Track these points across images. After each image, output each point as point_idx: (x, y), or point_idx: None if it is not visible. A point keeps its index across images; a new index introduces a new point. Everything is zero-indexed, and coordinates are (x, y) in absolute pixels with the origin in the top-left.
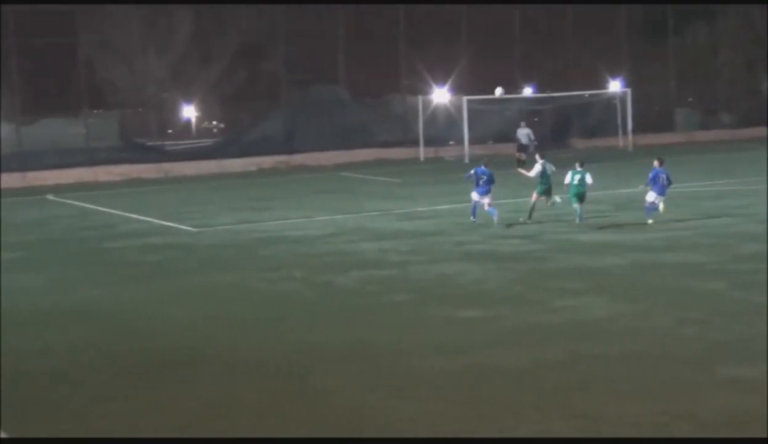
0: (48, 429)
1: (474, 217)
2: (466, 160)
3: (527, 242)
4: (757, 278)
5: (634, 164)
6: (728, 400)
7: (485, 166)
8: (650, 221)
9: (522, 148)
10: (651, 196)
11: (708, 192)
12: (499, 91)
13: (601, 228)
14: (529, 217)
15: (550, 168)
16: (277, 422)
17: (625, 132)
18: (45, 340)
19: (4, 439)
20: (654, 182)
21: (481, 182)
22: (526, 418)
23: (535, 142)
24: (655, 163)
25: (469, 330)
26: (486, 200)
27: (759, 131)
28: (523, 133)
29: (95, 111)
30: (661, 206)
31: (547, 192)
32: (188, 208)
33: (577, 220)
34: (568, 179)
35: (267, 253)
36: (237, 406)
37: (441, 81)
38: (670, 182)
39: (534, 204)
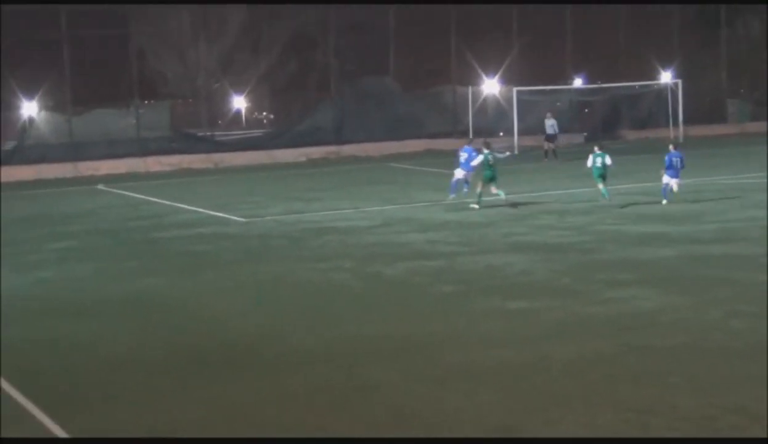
0: (103, 418)
1: (452, 194)
2: (516, 152)
3: (575, 233)
4: None
5: (686, 156)
6: None
7: (470, 145)
8: (664, 202)
9: (549, 138)
10: (665, 179)
11: (759, 184)
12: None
13: (650, 219)
14: (478, 202)
15: (495, 158)
16: (325, 413)
17: (675, 123)
18: (96, 330)
19: (5, 438)
20: (669, 166)
21: (463, 160)
22: (573, 411)
23: (558, 132)
24: (670, 146)
25: (516, 321)
26: (461, 175)
27: None
28: (549, 124)
29: (146, 101)
30: (675, 187)
31: (491, 180)
32: (238, 199)
33: (606, 197)
34: (589, 163)
35: (316, 243)
36: (286, 396)
37: (491, 72)
38: (683, 165)
39: (480, 191)
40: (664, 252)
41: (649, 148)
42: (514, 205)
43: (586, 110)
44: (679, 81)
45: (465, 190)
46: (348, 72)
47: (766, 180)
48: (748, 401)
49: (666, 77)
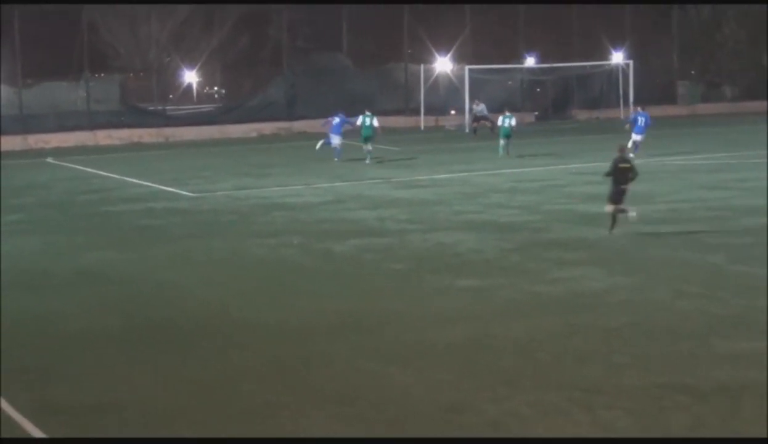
0: (51, 393)
1: (337, 158)
2: (467, 130)
3: (524, 212)
4: (756, 252)
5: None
6: (725, 373)
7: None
8: (632, 156)
9: (483, 117)
10: (633, 136)
11: (708, 165)
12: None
13: (600, 199)
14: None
15: (371, 120)
16: (275, 388)
17: (626, 104)
18: (46, 304)
19: (4, 439)
20: (635, 122)
21: (335, 123)
22: (521, 389)
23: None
24: (638, 108)
25: (466, 299)
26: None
27: (761, 105)
28: (479, 109)
29: (96, 75)
30: (635, 143)
31: (367, 139)
32: (188, 174)
33: (500, 153)
34: (499, 122)
35: (266, 219)
36: (236, 371)
37: (444, 50)
38: (648, 124)
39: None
40: (612, 232)
41: (599, 129)
42: (381, 160)
43: (538, 90)
44: (631, 62)
45: (335, 155)
46: (300, 48)
47: (714, 161)
48: (694, 380)
49: (617, 58)
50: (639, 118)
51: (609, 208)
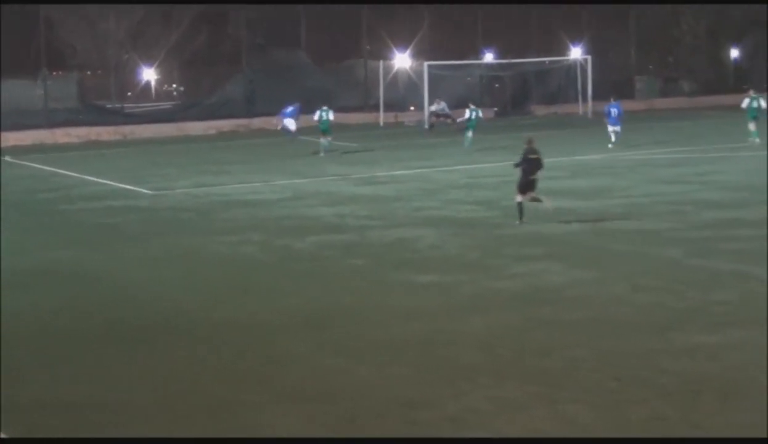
0: (15, 391)
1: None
2: (426, 126)
3: (484, 208)
4: (714, 246)
5: (593, 132)
6: (684, 367)
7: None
8: (610, 145)
9: (444, 115)
10: (609, 127)
11: (667, 159)
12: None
13: (559, 194)
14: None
15: (327, 115)
16: (238, 385)
17: (585, 99)
18: (6, 303)
19: (3, 439)
20: (608, 114)
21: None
22: (482, 384)
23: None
24: (611, 99)
25: (427, 295)
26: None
27: (719, 99)
28: (440, 108)
29: (54, 73)
30: (613, 136)
31: (325, 131)
32: (147, 171)
33: (466, 145)
34: (467, 115)
35: (225, 216)
36: (199, 368)
37: (403, 46)
38: (619, 113)
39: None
40: (571, 227)
41: (558, 124)
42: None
43: (497, 85)
44: (589, 57)
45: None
46: (259, 45)
47: (673, 156)
48: (653, 374)
49: (575, 53)
50: (612, 110)
51: (518, 197)
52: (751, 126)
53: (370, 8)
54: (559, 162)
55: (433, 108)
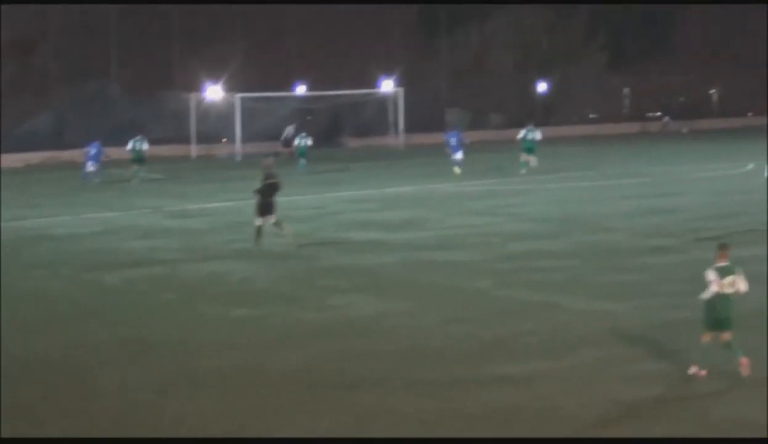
0: None
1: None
2: (238, 159)
3: (298, 240)
4: (521, 276)
5: (405, 164)
6: (493, 396)
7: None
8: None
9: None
10: (454, 156)
11: (476, 191)
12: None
13: (372, 226)
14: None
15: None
16: (51, 421)
17: (397, 131)
18: None
19: (3, 439)
20: (448, 144)
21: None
22: (294, 417)
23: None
24: (448, 129)
25: (240, 329)
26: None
27: None
28: (289, 133)
29: None
30: (457, 168)
31: (138, 161)
32: None
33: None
34: (296, 142)
35: (34, 251)
36: (9, 410)
37: (215, 78)
38: (458, 140)
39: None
40: (384, 259)
41: (371, 156)
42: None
43: (309, 117)
44: (401, 89)
45: (96, 179)
46: (68, 76)
47: (482, 188)
48: (464, 405)
49: (388, 85)
50: (451, 139)
51: (258, 221)
52: (523, 157)
53: (182, 39)
54: (371, 194)
55: (285, 134)
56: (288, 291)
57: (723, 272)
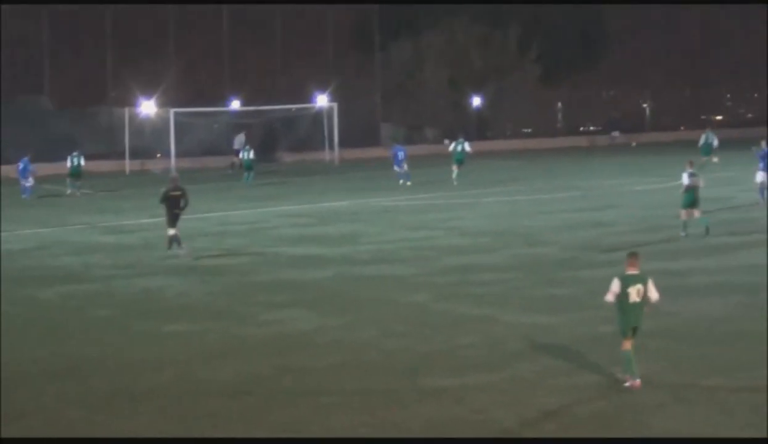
0: None
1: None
2: (174, 173)
3: (233, 256)
4: (458, 290)
5: (340, 179)
6: (431, 409)
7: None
8: (401, 182)
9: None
10: (397, 169)
11: (412, 206)
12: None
13: (307, 241)
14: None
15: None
16: None
17: (331, 146)
18: None
19: (3, 439)
20: (395, 157)
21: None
22: (231, 431)
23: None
24: (395, 143)
25: (175, 344)
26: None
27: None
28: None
29: None
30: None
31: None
32: None
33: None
34: (241, 156)
35: None
36: None
37: (149, 93)
38: (404, 156)
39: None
40: (320, 273)
41: (306, 171)
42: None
43: (243, 132)
44: (335, 104)
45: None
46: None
47: (418, 202)
48: (401, 418)
49: (322, 100)
50: (399, 153)
51: (170, 231)
52: (455, 169)
53: (115, 54)
54: (307, 209)
55: (236, 146)
56: (224, 306)
57: (630, 280)
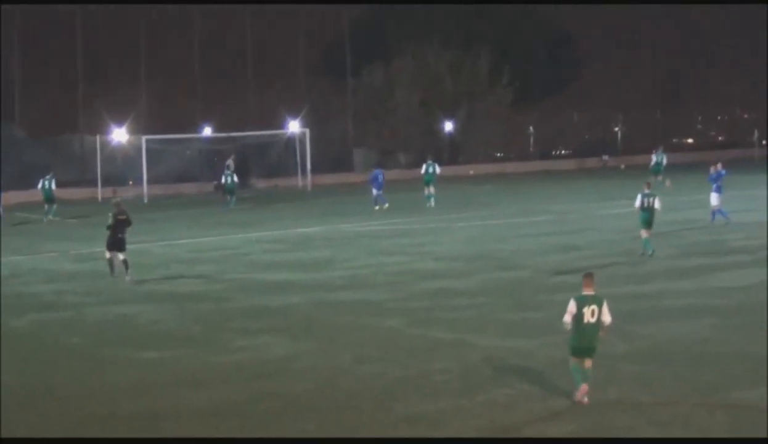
0: None
1: None
2: (145, 200)
3: (206, 282)
4: (432, 315)
5: (313, 204)
6: (405, 435)
7: None
8: (376, 208)
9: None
10: (375, 192)
11: (385, 231)
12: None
13: (281, 267)
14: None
15: (49, 184)
16: None
17: (304, 172)
18: None
19: (3, 439)
20: (374, 181)
21: None
22: None
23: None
24: (374, 168)
25: (149, 371)
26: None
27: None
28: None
29: None
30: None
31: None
32: None
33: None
34: (223, 180)
35: None
36: None
37: (121, 120)
38: (382, 179)
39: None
40: (294, 299)
41: (279, 197)
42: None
43: (215, 159)
44: (307, 130)
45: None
46: None
47: (392, 227)
48: None
49: (294, 126)
50: (379, 176)
51: (107, 254)
52: (426, 191)
53: (86, 82)
54: (280, 234)
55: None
56: (197, 333)
57: (586, 301)
